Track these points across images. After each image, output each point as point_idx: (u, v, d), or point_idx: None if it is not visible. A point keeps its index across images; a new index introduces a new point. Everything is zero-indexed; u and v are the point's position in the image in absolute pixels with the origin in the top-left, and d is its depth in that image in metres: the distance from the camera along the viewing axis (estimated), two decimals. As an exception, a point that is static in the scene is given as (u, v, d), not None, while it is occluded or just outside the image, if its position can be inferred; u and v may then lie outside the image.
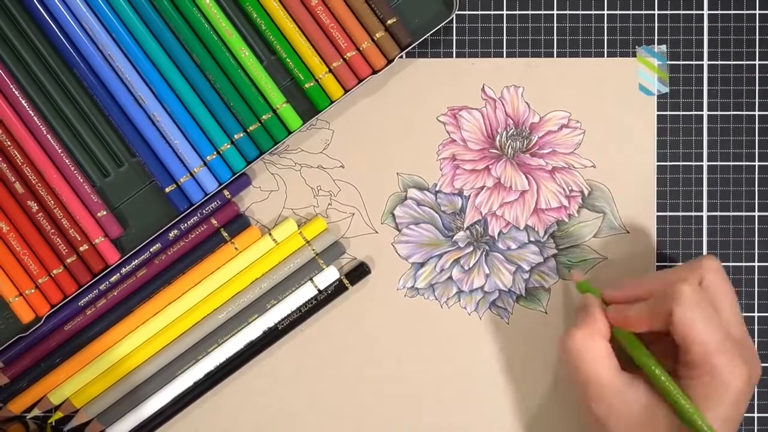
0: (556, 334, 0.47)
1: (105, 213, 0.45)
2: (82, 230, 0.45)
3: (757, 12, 0.47)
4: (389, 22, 0.45)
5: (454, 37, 0.47)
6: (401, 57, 0.46)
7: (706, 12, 0.47)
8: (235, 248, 0.46)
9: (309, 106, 0.46)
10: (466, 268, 0.47)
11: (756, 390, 0.47)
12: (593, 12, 0.47)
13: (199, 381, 0.46)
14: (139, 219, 0.46)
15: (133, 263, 0.46)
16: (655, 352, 0.41)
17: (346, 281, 0.47)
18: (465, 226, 0.47)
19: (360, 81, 0.45)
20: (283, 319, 0.47)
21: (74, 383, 0.46)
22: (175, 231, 0.46)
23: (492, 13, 0.47)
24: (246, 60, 0.45)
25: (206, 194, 0.45)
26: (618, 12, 0.47)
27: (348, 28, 0.45)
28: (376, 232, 0.47)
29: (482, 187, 0.47)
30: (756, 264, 0.47)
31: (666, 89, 0.47)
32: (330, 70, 0.45)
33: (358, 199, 0.47)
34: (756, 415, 0.47)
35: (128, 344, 0.46)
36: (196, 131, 0.45)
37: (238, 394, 0.47)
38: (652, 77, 0.47)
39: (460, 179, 0.47)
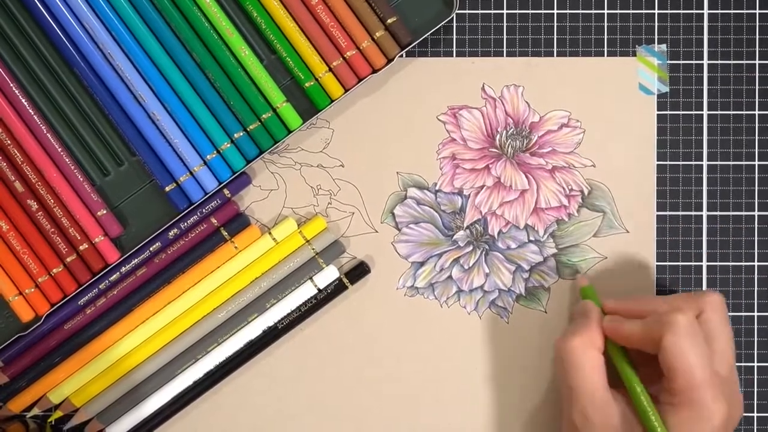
0: (556, 334, 0.47)
1: (105, 212, 0.45)
2: (81, 229, 0.45)
3: (757, 12, 0.47)
4: (389, 21, 0.45)
5: (454, 37, 0.47)
6: (401, 56, 0.47)
7: (706, 12, 0.47)
8: (235, 247, 0.46)
9: (309, 105, 0.46)
10: (466, 267, 0.47)
11: (756, 390, 0.47)
12: (593, 12, 0.47)
13: (199, 380, 0.46)
14: (138, 218, 0.46)
15: (133, 262, 0.46)
16: (642, 374, 0.41)
17: (345, 280, 0.47)
18: (465, 225, 0.47)
19: (360, 80, 0.45)
20: (282, 319, 0.47)
21: (74, 382, 0.46)
22: (175, 230, 0.46)
23: (492, 12, 0.47)
24: (246, 59, 0.45)
25: (206, 193, 0.45)
26: (618, 12, 0.47)
27: (348, 27, 0.45)
28: (376, 232, 0.47)
29: (482, 187, 0.47)
30: (756, 264, 0.47)
31: (666, 89, 0.47)
32: (330, 69, 0.45)
33: (358, 199, 0.47)
34: (756, 414, 0.47)
35: (128, 343, 0.46)
36: (196, 130, 0.45)
37: (237, 393, 0.47)
38: (652, 77, 0.47)
39: (460, 178, 0.47)
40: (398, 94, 0.47)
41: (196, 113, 0.45)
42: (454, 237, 0.47)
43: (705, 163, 0.47)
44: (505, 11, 0.47)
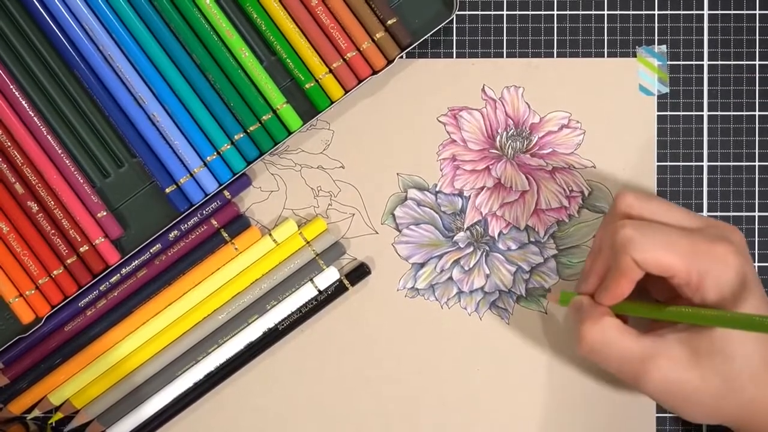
0: (556, 335, 0.47)
1: (105, 213, 0.45)
2: (82, 231, 0.45)
3: (757, 12, 0.47)
4: (389, 22, 0.45)
5: (454, 38, 0.47)
6: (401, 57, 0.46)
7: (706, 12, 0.47)
8: (235, 249, 0.46)
9: (309, 106, 0.46)
10: (467, 268, 0.47)
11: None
12: (593, 12, 0.47)
13: (199, 382, 0.46)
14: (139, 219, 0.46)
15: (134, 264, 0.46)
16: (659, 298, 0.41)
17: (346, 282, 0.47)
18: (465, 226, 0.47)
19: (360, 81, 0.45)
20: (283, 320, 0.47)
21: (74, 384, 0.46)
22: (175, 231, 0.46)
23: (492, 13, 0.47)
24: (246, 60, 0.45)
25: (206, 195, 0.45)
26: (618, 12, 0.47)
27: (348, 28, 0.45)
28: (377, 233, 0.47)
29: (482, 188, 0.47)
30: (756, 264, 0.47)
31: (666, 89, 0.47)
32: (330, 71, 0.45)
33: (359, 200, 0.47)
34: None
35: (128, 345, 0.46)
36: (196, 132, 0.45)
37: (238, 395, 0.47)
38: (652, 77, 0.47)
39: (460, 179, 0.47)
40: (398, 95, 0.47)
41: (196, 115, 0.45)
42: (455, 238, 0.47)
43: (705, 163, 0.47)
44: (505, 12, 0.47)
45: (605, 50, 0.47)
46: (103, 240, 0.45)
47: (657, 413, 0.47)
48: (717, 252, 0.38)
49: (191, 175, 0.45)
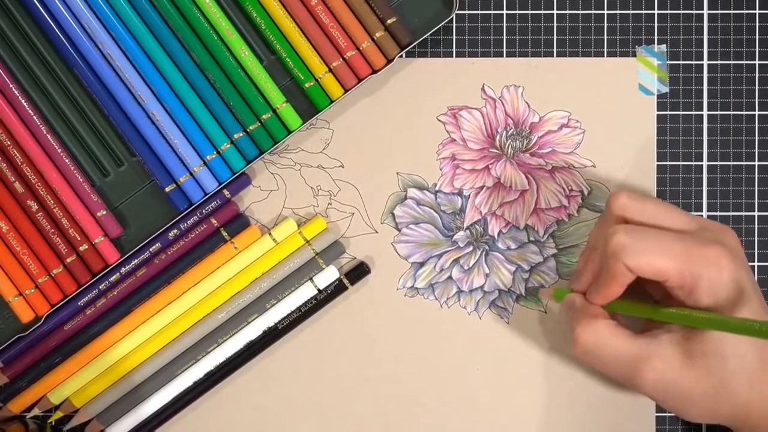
0: (556, 334, 0.47)
1: (105, 212, 0.45)
2: (81, 230, 0.45)
3: (757, 12, 0.47)
4: (389, 21, 0.45)
5: (454, 37, 0.47)
6: (401, 56, 0.46)
7: (706, 12, 0.47)
8: (235, 248, 0.46)
9: (309, 105, 0.46)
10: (466, 267, 0.47)
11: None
12: (593, 12, 0.47)
13: (199, 381, 0.46)
14: (138, 218, 0.46)
15: (133, 263, 0.46)
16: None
17: (345, 281, 0.47)
18: (465, 225, 0.47)
19: (360, 80, 0.45)
20: (282, 319, 0.47)
21: (74, 383, 0.46)
22: (175, 230, 0.46)
23: (492, 12, 0.47)
24: (246, 59, 0.45)
25: (206, 194, 0.45)
26: (618, 12, 0.47)
27: (348, 27, 0.45)
28: (376, 232, 0.47)
29: (482, 187, 0.47)
30: (756, 264, 0.47)
31: (666, 89, 0.47)
32: (330, 70, 0.45)
33: (358, 199, 0.47)
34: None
35: (128, 344, 0.46)
36: (195, 131, 0.45)
37: (237, 394, 0.47)
38: (652, 77, 0.47)
39: (459, 179, 0.47)
40: (398, 94, 0.47)
41: (195, 114, 0.45)
42: (454, 237, 0.47)
43: (705, 163, 0.47)
44: (504, 11, 0.47)
45: (605, 50, 0.47)
46: (102, 239, 0.45)
47: (656, 413, 0.47)
48: (709, 255, 0.38)
49: (191, 174, 0.45)
